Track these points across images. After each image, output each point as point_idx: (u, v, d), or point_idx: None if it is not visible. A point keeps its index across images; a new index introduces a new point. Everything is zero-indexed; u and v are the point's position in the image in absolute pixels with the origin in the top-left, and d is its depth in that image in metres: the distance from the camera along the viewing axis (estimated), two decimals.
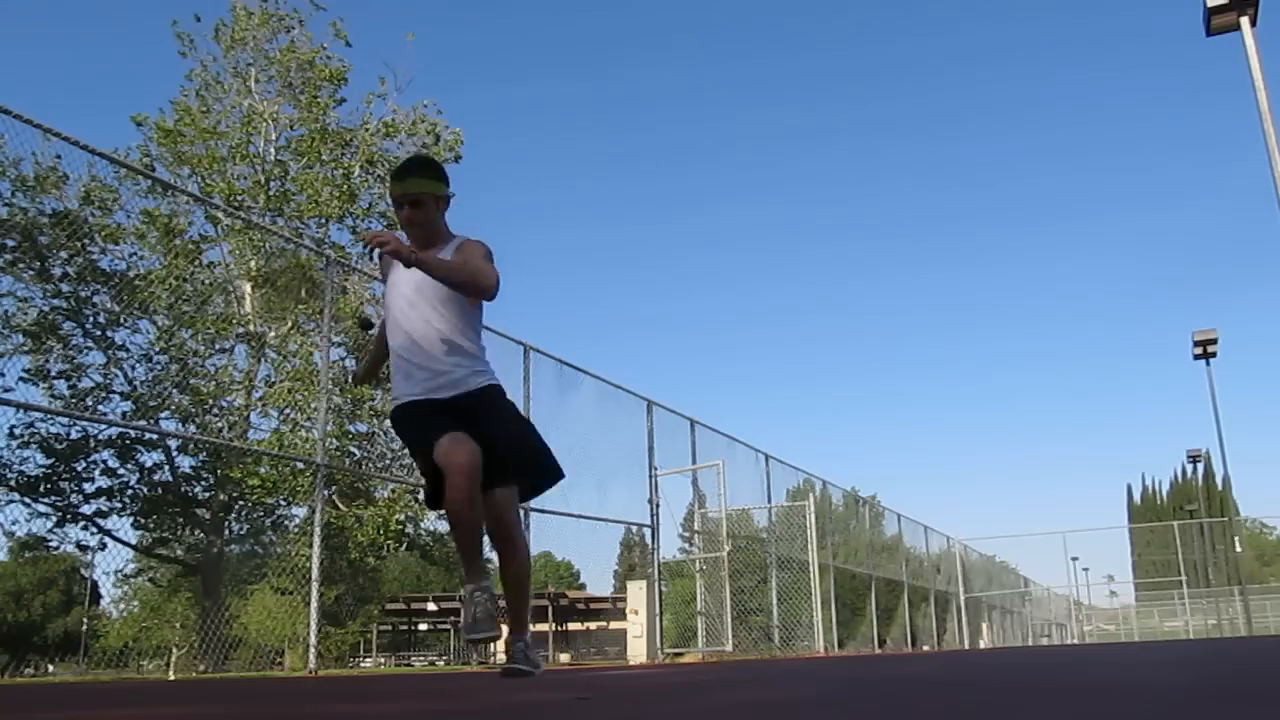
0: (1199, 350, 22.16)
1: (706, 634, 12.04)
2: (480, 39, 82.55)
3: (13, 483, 13.43)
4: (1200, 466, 36.60)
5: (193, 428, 13.40)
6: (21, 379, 12.71)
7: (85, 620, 32.11)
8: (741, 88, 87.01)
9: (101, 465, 14.35)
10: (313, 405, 11.81)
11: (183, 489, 15.09)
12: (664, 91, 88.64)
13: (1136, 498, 62.58)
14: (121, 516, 14.68)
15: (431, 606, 33.05)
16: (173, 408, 13.68)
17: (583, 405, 10.66)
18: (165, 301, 12.91)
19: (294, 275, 13.63)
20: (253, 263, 15.02)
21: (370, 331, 4.08)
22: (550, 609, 29.79)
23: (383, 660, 32.44)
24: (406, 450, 3.80)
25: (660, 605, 11.69)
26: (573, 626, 36.64)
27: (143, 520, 15.33)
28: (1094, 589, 56.23)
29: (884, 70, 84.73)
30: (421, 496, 17.12)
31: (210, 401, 14.10)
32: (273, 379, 14.68)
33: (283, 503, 14.58)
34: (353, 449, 15.07)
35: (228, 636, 10.58)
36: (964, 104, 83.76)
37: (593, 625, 36.02)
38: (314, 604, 6.71)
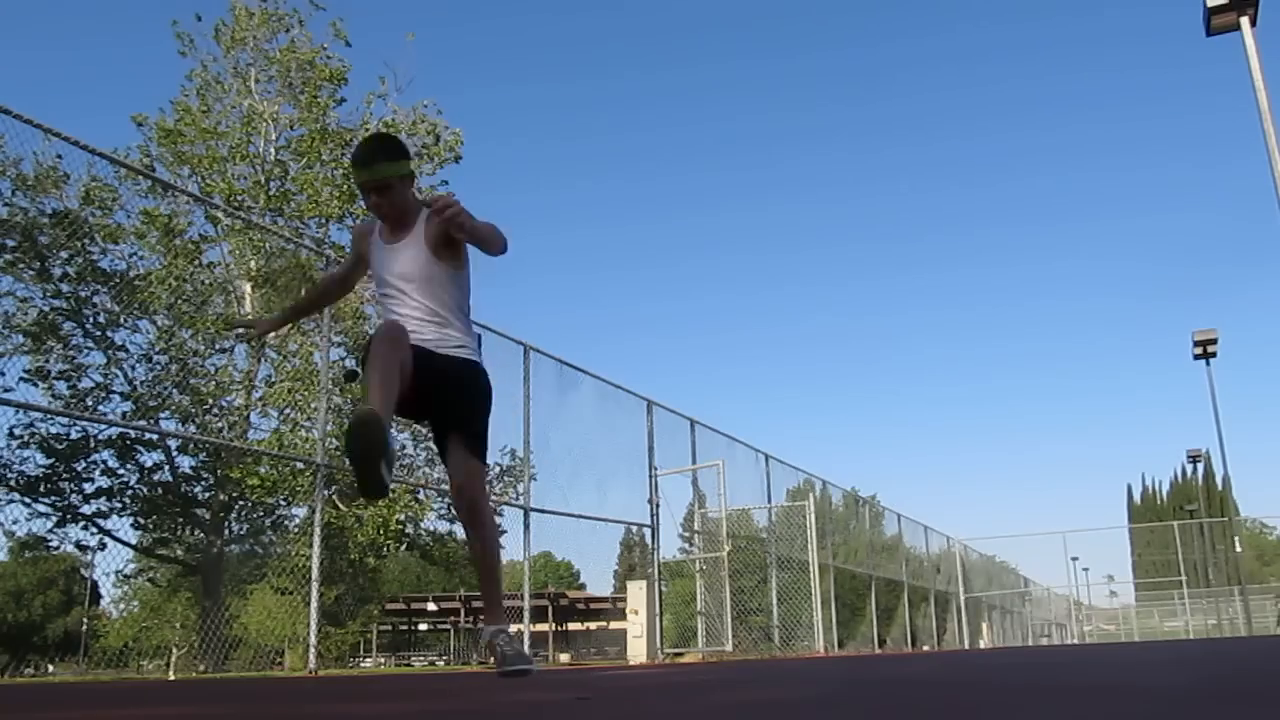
0: (1199, 350, 22.17)
1: (706, 634, 12.05)
2: (480, 39, 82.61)
3: (13, 483, 13.44)
4: (1200, 466, 36.61)
5: (193, 428, 13.40)
6: (22, 379, 12.72)
7: (85, 620, 32.12)
8: (741, 88, 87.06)
9: (101, 465, 14.36)
10: (313, 405, 11.79)
11: (183, 489, 15.09)
12: (664, 91, 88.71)
13: (1136, 498, 62.59)
14: (121, 516, 14.69)
15: (431, 606, 33.06)
16: (173, 408, 13.67)
17: (583, 405, 10.68)
18: (165, 301, 12.91)
19: (294, 275, 13.62)
20: (253, 263, 15.01)
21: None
22: (550, 609, 29.80)
23: (383, 660, 32.44)
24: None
25: (660, 605, 11.69)
26: (573, 626, 36.66)
27: (143, 520, 15.34)
28: (1094, 589, 56.27)
29: (882, 70, 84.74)
30: (421, 495, 16.97)
31: (210, 401, 14.10)
32: (273, 379, 14.67)
33: (283, 503, 14.58)
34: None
35: (228, 636, 10.58)
36: (963, 104, 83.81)
37: (593, 625, 36.03)
38: (314, 604, 6.72)
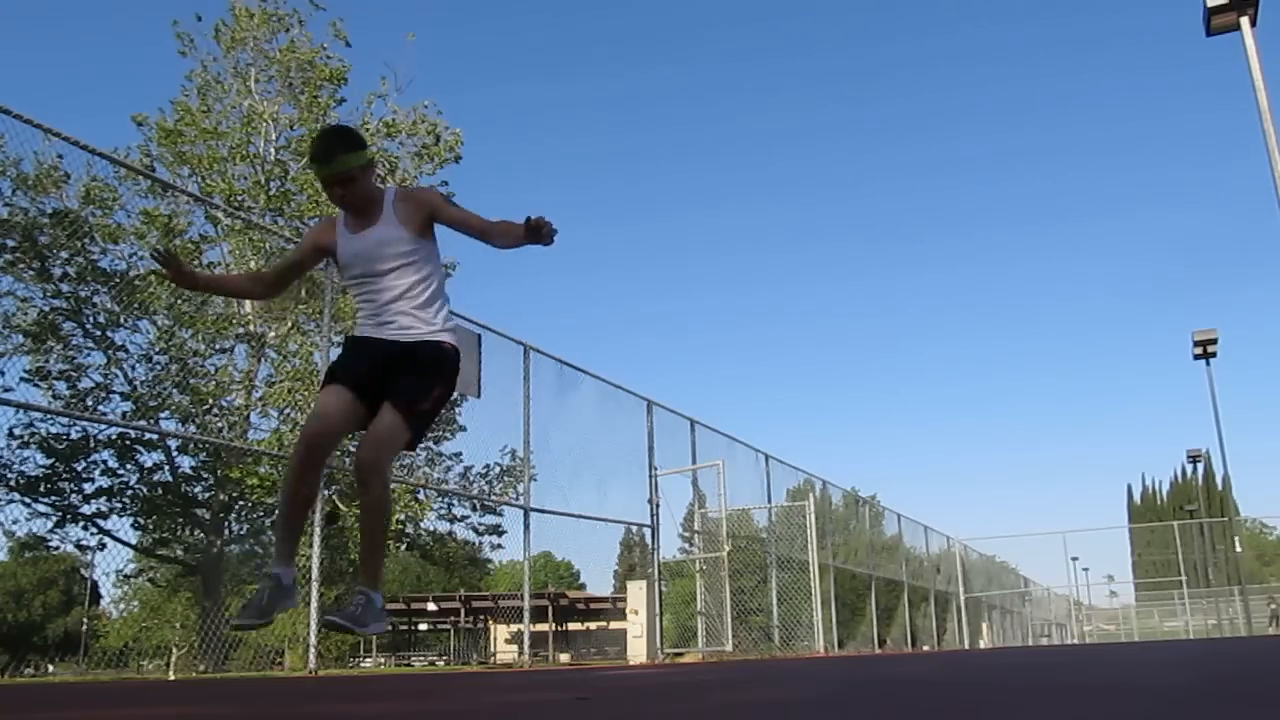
0: (1199, 350, 22.17)
1: (706, 634, 12.04)
2: (480, 39, 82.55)
3: (13, 483, 13.44)
4: (1200, 466, 36.57)
5: (193, 428, 13.40)
6: (22, 379, 12.72)
7: (85, 620, 32.12)
8: (741, 88, 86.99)
9: (101, 465, 14.37)
10: (313, 405, 11.80)
11: (183, 489, 15.09)
12: (664, 91, 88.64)
13: (1136, 498, 62.58)
14: (121, 517, 14.70)
15: (431, 606, 33.04)
16: (173, 408, 13.67)
17: (583, 405, 10.68)
18: (165, 301, 12.91)
19: None
20: (253, 263, 15.01)
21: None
22: (550, 609, 29.80)
23: (382, 660, 32.42)
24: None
25: (660, 605, 11.69)
26: (573, 626, 36.63)
27: (143, 520, 15.35)
28: (1094, 589, 56.29)
29: (882, 70, 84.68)
30: (421, 495, 16.94)
31: (210, 401, 14.10)
32: (273, 379, 14.68)
33: None
34: (352, 448, 15.07)
35: (228, 636, 10.57)
36: (963, 104, 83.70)
37: (593, 625, 36.00)
38: (314, 604, 6.72)
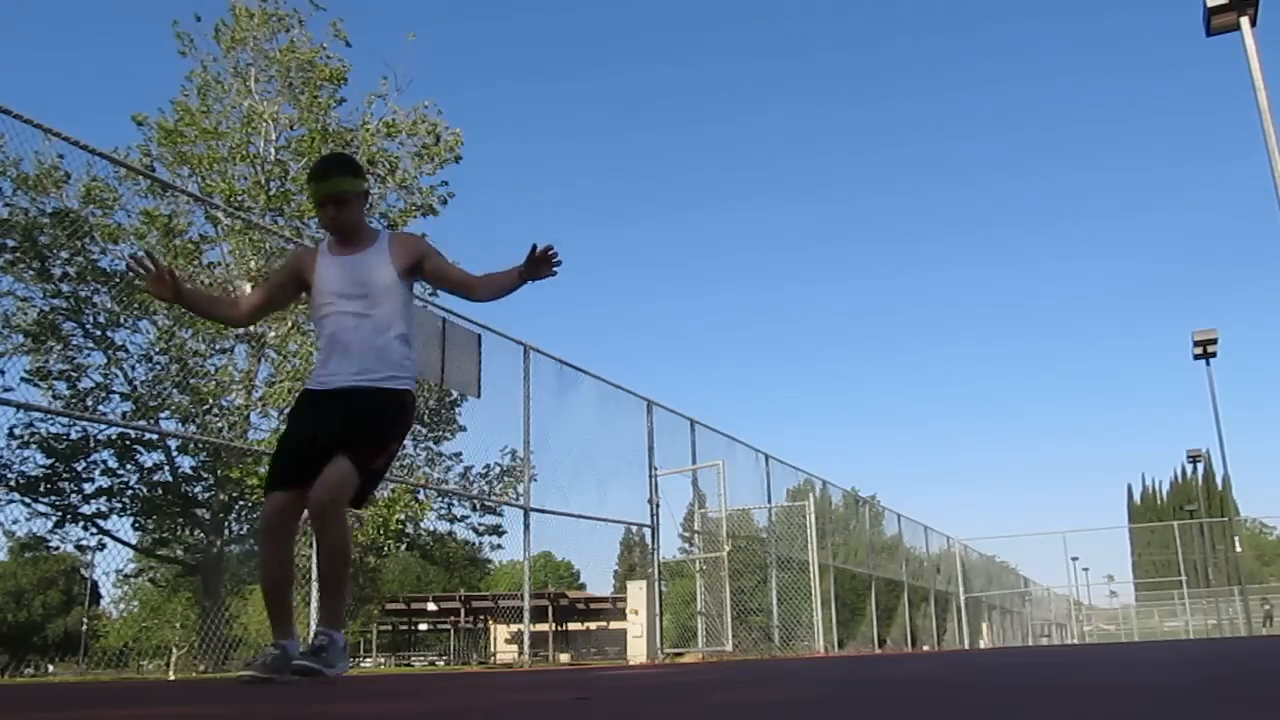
0: (1199, 350, 22.16)
1: (706, 634, 12.04)
2: (480, 39, 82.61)
3: (13, 483, 13.45)
4: (1200, 466, 36.54)
5: (193, 428, 13.40)
6: (22, 379, 12.73)
7: (85, 620, 32.13)
8: (741, 88, 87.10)
9: (101, 465, 14.38)
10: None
11: (183, 489, 15.10)
12: (664, 91, 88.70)
13: (1136, 498, 62.60)
14: (121, 517, 14.71)
15: (431, 606, 33.05)
16: (173, 408, 13.68)
17: (583, 405, 10.67)
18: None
19: None
20: (253, 263, 15.01)
21: None
22: (550, 609, 29.79)
23: (383, 660, 32.42)
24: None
25: (660, 605, 11.69)
26: (573, 626, 36.62)
27: (143, 520, 15.35)
28: (1094, 589, 56.27)
29: (882, 70, 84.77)
30: (421, 495, 16.97)
31: (210, 401, 14.10)
32: (273, 379, 14.68)
33: None
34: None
35: (228, 636, 10.59)
36: (962, 104, 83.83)
37: (593, 625, 36.00)
38: (314, 604, 6.71)
